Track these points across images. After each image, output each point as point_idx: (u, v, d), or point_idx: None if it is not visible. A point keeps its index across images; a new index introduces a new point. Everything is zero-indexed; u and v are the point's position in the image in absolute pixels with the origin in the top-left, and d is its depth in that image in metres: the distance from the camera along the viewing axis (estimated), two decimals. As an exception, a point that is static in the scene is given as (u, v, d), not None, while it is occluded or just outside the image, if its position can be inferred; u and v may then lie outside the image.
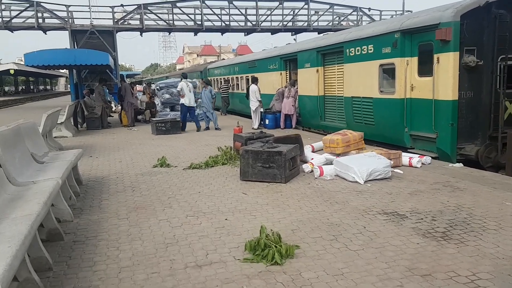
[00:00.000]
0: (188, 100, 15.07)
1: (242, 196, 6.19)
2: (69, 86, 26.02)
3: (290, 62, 15.95)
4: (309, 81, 13.80)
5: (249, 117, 20.57)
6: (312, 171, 7.56)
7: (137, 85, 29.53)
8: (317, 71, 13.28)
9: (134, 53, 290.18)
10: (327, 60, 13.08)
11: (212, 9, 29.92)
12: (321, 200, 5.86)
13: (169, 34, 31.99)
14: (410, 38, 9.37)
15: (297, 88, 14.82)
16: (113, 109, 24.45)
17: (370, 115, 10.70)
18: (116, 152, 10.74)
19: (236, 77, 22.05)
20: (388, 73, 10.11)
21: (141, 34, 31.03)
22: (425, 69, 9.08)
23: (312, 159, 8.12)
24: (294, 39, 44.76)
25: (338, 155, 7.87)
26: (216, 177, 7.54)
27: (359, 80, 11.02)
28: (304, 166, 7.65)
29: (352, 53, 11.25)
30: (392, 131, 9.95)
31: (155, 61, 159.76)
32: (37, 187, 4.56)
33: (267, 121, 15.14)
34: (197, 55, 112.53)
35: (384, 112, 10.17)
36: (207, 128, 15.06)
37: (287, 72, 16.10)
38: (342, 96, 12.13)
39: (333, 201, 5.76)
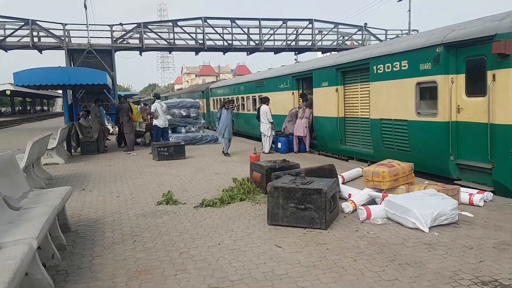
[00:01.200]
0: (162, 121, 14.84)
1: (276, 251, 4.78)
2: (66, 106, 24.81)
3: (303, 81, 14.70)
4: (327, 101, 12.52)
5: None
6: (353, 211, 6.18)
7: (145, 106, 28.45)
8: (337, 90, 12.00)
9: (132, 73, 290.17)
10: (348, 78, 11.82)
11: (214, 28, 28.92)
12: (384, 258, 4.45)
13: (170, 53, 31.12)
14: (455, 52, 8.10)
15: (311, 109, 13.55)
16: (111, 131, 23.14)
17: (404, 140, 9.37)
18: (113, 184, 9.33)
19: (241, 97, 20.79)
20: (428, 92, 8.83)
21: (140, 54, 29.96)
22: (475, 88, 7.80)
23: (350, 195, 6.74)
24: (295, 59, 43.97)
25: (382, 190, 6.49)
26: (236, 219, 6.13)
27: (390, 100, 9.72)
28: (344, 205, 6.26)
29: (380, 70, 9.99)
30: (434, 159, 8.60)
31: (153, 81, 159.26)
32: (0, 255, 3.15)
33: (279, 145, 13.80)
34: (196, 75, 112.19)
35: (422, 137, 8.84)
36: (227, 154, 13.65)
37: (300, 91, 14.83)
38: (368, 118, 10.83)
39: (402, 262, 4.35)
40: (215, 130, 26.17)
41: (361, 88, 11.22)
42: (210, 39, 29.08)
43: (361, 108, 11.29)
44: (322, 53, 33.89)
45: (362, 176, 9.15)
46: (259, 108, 13.90)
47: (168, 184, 9.08)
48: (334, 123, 12.25)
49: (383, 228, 5.47)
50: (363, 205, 6.09)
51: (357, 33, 32.74)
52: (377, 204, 6.41)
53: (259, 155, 8.79)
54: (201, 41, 28.56)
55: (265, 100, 13.70)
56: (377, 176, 6.43)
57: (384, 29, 33.24)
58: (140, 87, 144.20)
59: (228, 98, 22.44)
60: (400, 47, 9.36)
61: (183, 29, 28.59)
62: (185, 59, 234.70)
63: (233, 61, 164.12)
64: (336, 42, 32.29)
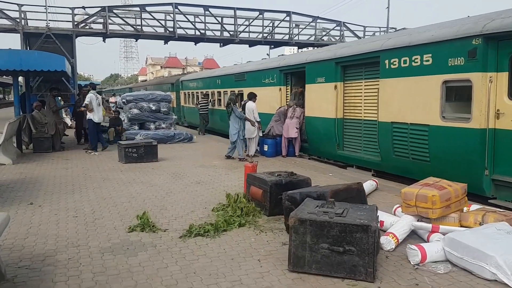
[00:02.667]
0: (97, 116, 13.01)
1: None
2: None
3: (292, 76, 13.13)
4: (323, 100, 11.01)
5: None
6: (395, 247, 4.67)
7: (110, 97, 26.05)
8: (335, 87, 10.50)
9: (93, 62, 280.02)
10: (350, 73, 10.34)
11: (186, 16, 26.89)
12: None
13: (136, 41, 28.53)
14: (496, 46, 6.73)
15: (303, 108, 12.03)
16: (69, 124, 20.83)
17: (423, 148, 7.97)
18: (69, 195, 7.45)
19: (217, 92, 19.01)
20: (457, 93, 7.46)
21: (104, 40, 27.47)
22: (522, 89, 6.46)
23: (382, 223, 5.22)
24: (267, 54, 42.42)
25: (431, 220, 4.99)
26: (242, 260, 4.48)
27: (406, 101, 8.30)
28: (383, 240, 4.72)
29: (394, 64, 8.54)
30: (462, 173, 7.22)
31: (115, 72, 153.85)
32: None
33: (265, 147, 12.21)
34: (161, 67, 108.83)
35: (448, 145, 7.45)
36: (243, 159, 11.65)
37: (288, 87, 13.26)
38: (374, 120, 9.40)
39: None
40: (187, 127, 24.43)
41: (366, 85, 9.77)
42: (180, 27, 27.06)
43: (365, 109, 9.84)
44: (298, 48, 32.48)
45: (375, 190, 7.75)
46: (244, 104, 12.23)
47: (140, 197, 7.29)
48: (330, 125, 10.76)
49: (451, 281, 3.98)
50: (416, 245, 4.56)
51: (335, 28, 31.52)
52: (422, 237, 4.93)
53: (256, 165, 7.15)
54: (171, 29, 26.49)
55: (252, 96, 12.03)
56: (424, 201, 4.93)
57: (363, 26, 32.18)
58: (101, 77, 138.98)
59: (203, 92, 20.62)
60: (422, 38, 7.93)
61: (152, 15, 26.37)
62: (150, 49, 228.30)
63: (200, 54, 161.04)
64: (314, 37, 30.93)
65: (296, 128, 11.92)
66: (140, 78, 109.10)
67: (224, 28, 28.15)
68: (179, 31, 26.93)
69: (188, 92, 23.66)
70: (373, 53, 9.19)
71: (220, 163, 11.00)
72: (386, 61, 8.77)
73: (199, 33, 27.39)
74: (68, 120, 21.86)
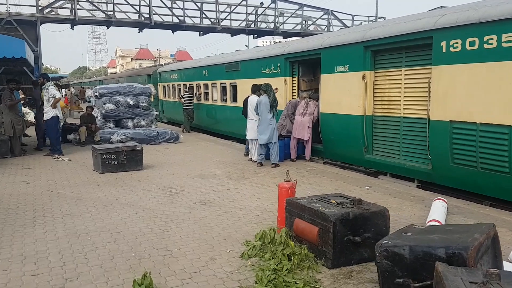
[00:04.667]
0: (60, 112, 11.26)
1: None
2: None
3: (300, 64, 11.12)
4: (345, 93, 9.07)
5: (220, 136, 15.54)
6: None
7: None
8: (364, 77, 8.56)
9: (60, 54, 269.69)
10: (384, 60, 8.41)
11: (163, 1, 24.42)
12: None
13: (108, 28, 25.81)
14: None
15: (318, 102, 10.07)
16: (32, 122, 18.20)
17: (501, 156, 6.12)
18: (28, 231, 5.23)
19: (204, 84, 16.79)
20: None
21: (72, 27, 24.68)
22: None
23: None
24: (246, 45, 40.27)
25: None
26: None
27: (475, 94, 6.43)
28: None
29: (456, 47, 6.63)
30: None
31: (83, 64, 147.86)
32: None
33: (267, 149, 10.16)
34: (132, 59, 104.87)
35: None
36: (260, 164, 9.61)
37: (295, 78, 11.25)
38: (422, 118, 7.53)
39: None
40: (166, 123, 21.98)
41: (408, 74, 7.85)
42: (157, 14, 24.60)
43: (406, 104, 7.94)
44: (283, 38, 30.46)
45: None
46: (246, 99, 10.16)
47: (130, 232, 5.15)
48: (356, 124, 8.82)
49: None
50: None
51: (322, 17, 29.66)
52: None
53: (295, 185, 5.07)
54: (147, 15, 24.01)
55: (256, 89, 9.97)
56: None
57: (351, 15, 30.45)
58: (69, 70, 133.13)
59: (186, 84, 18.36)
60: (501, 12, 6.05)
61: (125, 0, 23.85)
62: (120, 41, 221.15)
63: (171, 46, 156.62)
64: (300, 26, 28.99)
65: (309, 127, 9.95)
66: (110, 71, 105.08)
67: (205, 15, 25.87)
68: (155, 18, 24.48)
69: (168, 85, 21.31)
70: (421, 33, 7.27)
71: (221, 172, 8.91)
72: (443, 43, 6.86)
73: (177, 20, 25.02)
74: (31, 116, 19.19)
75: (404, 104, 7.97)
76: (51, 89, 10.66)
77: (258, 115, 9.42)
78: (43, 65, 24.83)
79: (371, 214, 4.14)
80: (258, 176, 8.52)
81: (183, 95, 17.00)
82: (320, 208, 4.17)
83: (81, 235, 5.03)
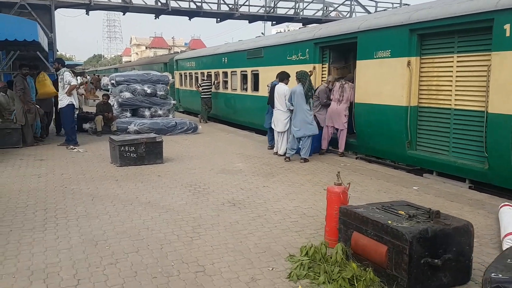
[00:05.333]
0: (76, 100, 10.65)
1: None
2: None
3: (331, 50, 10.28)
4: (386, 81, 8.23)
5: (239, 127, 14.78)
6: None
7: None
8: (408, 64, 7.70)
9: (75, 42, 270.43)
10: (431, 45, 7.55)
11: (180, -14, 23.59)
12: None
13: (124, 14, 25.10)
14: None
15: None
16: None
17: None
18: (37, 236, 4.56)
19: (223, 72, 16.02)
20: None
21: (87, 13, 24.09)
22: None
23: None
24: (262, 32, 39.20)
25: None
26: None
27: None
28: None
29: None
30: None
31: (98, 52, 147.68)
32: None
33: (301, 143, 9.39)
34: (146, 48, 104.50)
35: None
36: (288, 159, 8.87)
37: (325, 65, 10.41)
38: (477, 111, 6.69)
39: None
40: (182, 113, 21.25)
41: (461, 61, 6.98)
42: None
43: (457, 94, 7.08)
44: (303, 25, 29.46)
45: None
46: (273, 87, 9.37)
47: (154, 240, 4.45)
48: (398, 115, 7.99)
49: None
50: None
51: (344, 3, 28.57)
52: None
53: (348, 189, 4.26)
54: (164, 1, 23.24)
55: (284, 77, 9.17)
56: None
57: (375, 1, 29.25)
58: (84, 58, 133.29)
59: (204, 73, 17.60)
60: None
61: (142, -16, 23.11)
62: (134, 29, 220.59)
63: (186, 35, 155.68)
64: (321, 12, 27.95)
65: (345, 115, 9.16)
66: (124, 59, 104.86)
67: (223, 1, 25.00)
68: (173, 4, 23.73)
69: (184, 73, 20.57)
70: (479, 15, 6.40)
71: (246, 167, 8.18)
72: (507, 26, 5.99)
73: (194, 6, 24.22)
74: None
75: (455, 95, 7.11)
76: (66, 75, 10.04)
77: (293, 105, 8.64)
78: (57, 51, 24.20)
79: (453, 231, 3.35)
80: (288, 172, 7.77)
81: (201, 83, 16.26)
82: (389, 222, 3.40)
83: (98, 243, 4.35)
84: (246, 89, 14.28)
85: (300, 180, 7.15)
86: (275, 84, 9.39)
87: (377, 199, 5.98)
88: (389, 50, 8.10)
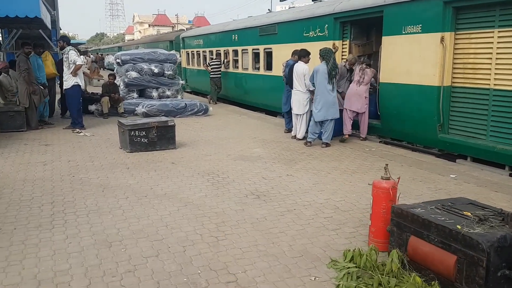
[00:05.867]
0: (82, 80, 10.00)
1: None
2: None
3: (352, 26, 9.61)
4: (416, 59, 7.60)
5: (251, 108, 14.20)
6: None
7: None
8: (442, 39, 7.06)
9: (77, 21, 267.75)
10: (467, 19, 6.89)
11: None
12: None
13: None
14: None
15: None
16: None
17: None
18: (44, 236, 4.08)
19: (233, 50, 15.34)
20: None
21: (89, -11, 23.36)
22: None
23: None
24: (269, 9, 38.02)
25: None
26: None
27: None
28: None
29: None
30: None
31: (101, 31, 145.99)
32: None
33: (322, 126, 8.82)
34: (149, 25, 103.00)
35: None
36: (309, 143, 8.28)
37: (346, 42, 9.75)
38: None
39: None
40: (189, 93, 20.57)
41: (502, 36, 6.34)
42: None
43: (497, 73, 6.46)
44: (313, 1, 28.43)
45: None
46: (291, 66, 8.76)
47: (175, 240, 3.96)
48: (429, 96, 7.39)
49: None
50: None
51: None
52: None
53: (397, 183, 3.73)
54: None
55: (304, 54, 8.55)
56: None
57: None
58: (86, 36, 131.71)
59: (212, 51, 16.92)
60: None
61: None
62: (136, 7, 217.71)
63: (189, 12, 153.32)
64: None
65: (366, 97, 8.57)
66: (127, 37, 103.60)
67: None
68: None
69: (192, 52, 19.87)
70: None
71: (265, 153, 7.65)
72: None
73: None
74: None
75: (495, 74, 6.48)
76: (71, 54, 9.46)
77: (314, 85, 8.06)
78: (60, 29, 23.47)
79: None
80: (311, 159, 7.23)
81: (210, 62, 15.60)
82: (459, 227, 2.88)
83: (113, 244, 3.86)
84: (258, 68, 13.63)
85: (325, 168, 6.62)
86: (291, 64, 8.78)
87: (415, 189, 5.48)
88: (420, 25, 7.44)
